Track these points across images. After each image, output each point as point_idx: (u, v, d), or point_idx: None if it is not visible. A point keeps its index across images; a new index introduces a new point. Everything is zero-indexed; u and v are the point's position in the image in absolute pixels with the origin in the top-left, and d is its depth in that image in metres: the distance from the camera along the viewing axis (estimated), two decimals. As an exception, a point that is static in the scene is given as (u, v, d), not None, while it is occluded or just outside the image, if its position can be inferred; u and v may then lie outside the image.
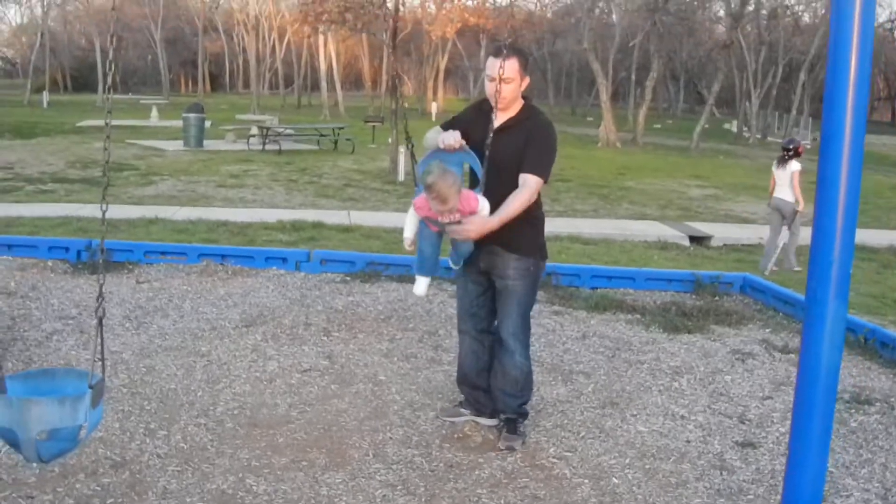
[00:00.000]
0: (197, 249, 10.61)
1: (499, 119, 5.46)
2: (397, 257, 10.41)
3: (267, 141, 28.05)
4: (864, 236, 14.68)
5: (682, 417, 6.38)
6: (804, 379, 3.95)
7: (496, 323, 5.84)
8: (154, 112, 43.15)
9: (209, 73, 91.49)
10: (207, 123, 30.42)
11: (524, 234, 5.53)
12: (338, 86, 62.43)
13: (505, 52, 5.34)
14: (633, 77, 64.56)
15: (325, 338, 7.77)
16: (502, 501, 5.00)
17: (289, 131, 30.46)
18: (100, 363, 3.75)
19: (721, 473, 5.49)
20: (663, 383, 7.07)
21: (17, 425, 3.51)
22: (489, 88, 5.40)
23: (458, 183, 5.11)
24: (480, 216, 5.23)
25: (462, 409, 6.09)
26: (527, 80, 5.53)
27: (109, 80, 3.73)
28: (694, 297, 9.97)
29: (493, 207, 5.31)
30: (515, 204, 5.29)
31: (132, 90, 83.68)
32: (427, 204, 5.24)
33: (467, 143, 5.45)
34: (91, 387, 3.61)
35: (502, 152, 5.37)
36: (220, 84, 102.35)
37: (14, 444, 3.59)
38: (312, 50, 71.04)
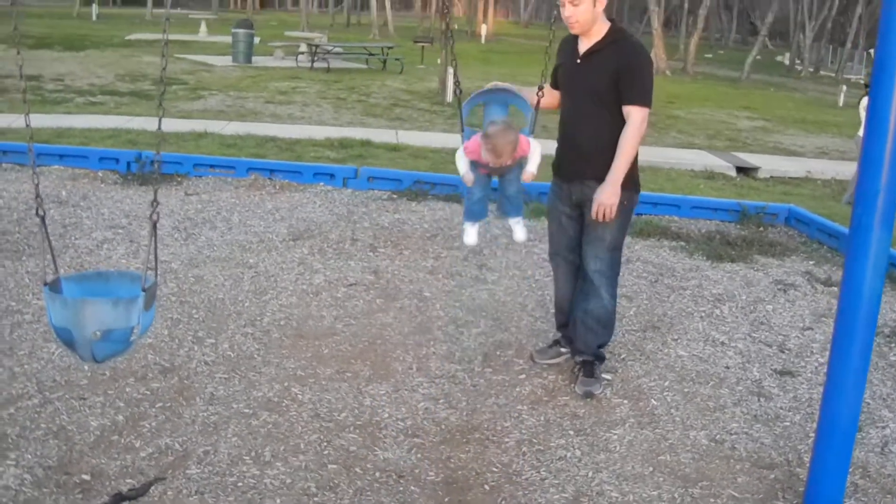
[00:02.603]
0: (245, 163, 10.70)
1: (584, 44, 5.28)
2: (444, 176, 10.46)
3: (315, 58, 27.92)
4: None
5: (723, 344, 6.42)
6: (846, 305, 3.98)
7: (583, 257, 5.51)
8: (203, 27, 43.00)
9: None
10: (256, 39, 30.32)
11: None
12: (387, 5, 61.75)
13: None
14: (686, 5, 63.28)
15: (371, 253, 7.86)
16: (542, 418, 5.09)
17: (337, 49, 30.35)
18: (152, 266, 3.83)
19: (759, 399, 5.55)
20: (705, 310, 7.11)
21: (72, 325, 3.60)
22: (562, 14, 5.18)
23: (516, 141, 5.05)
24: (603, 188, 5.11)
25: (561, 349, 5.88)
26: (603, 0, 5.17)
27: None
28: (738, 226, 9.94)
29: (586, 138, 5.28)
30: (628, 145, 5.12)
31: (181, 4, 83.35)
32: (478, 148, 5.15)
33: (558, 80, 5.50)
34: (144, 290, 3.69)
35: (589, 79, 5.23)
36: (269, 1, 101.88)
37: (70, 343, 3.68)
38: (363, -32, 70.48)
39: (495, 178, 5.42)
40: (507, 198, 5.44)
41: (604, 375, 5.61)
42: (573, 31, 5.27)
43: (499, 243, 8.41)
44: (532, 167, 5.23)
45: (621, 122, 5.19)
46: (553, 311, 6.05)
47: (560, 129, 5.52)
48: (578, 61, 5.29)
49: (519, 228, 5.49)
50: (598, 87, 5.18)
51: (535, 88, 5.38)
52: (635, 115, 5.14)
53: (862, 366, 4.05)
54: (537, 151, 5.23)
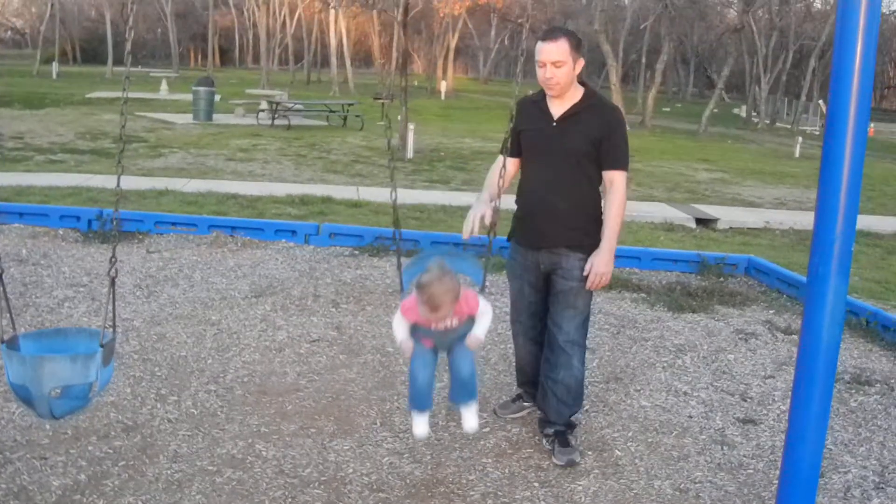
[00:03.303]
0: (207, 221, 10.69)
1: (557, 107, 5.19)
2: (406, 232, 10.39)
3: (276, 116, 27.99)
4: (870, 222, 14.73)
5: (685, 394, 6.45)
6: (805, 354, 4.01)
7: (551, 326, 5.36)
8: (164, 85, 43.06)
9: (219, 48, 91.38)
10: (217, 97, 30.40)
11: (591, 231, 5.17)
12: (347, 62, 62.13)
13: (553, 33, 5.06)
14: (644, 60, 64.16)
15: (333, 309, 7.86)
16: (507, 470, 5.09)
17: (298, 107, 30.40)
18: (111, 323, 3.82)
19: (722, 448, 5.57)
20: (667, 360, 7.14)
21: (30, 382, 3.59)
22: (541, 75, 5.09)
23: (456, 289, 4.40)
24: (599, 257, 4.99)
25: (524, 403, 5.85)
26: (581, 62, 5.09)
27: (129, 46, 3.79)
28: (699, 277, 10.02)
29: (564, 203, 5.13)
30: (621, 210, 5.06)
31: (142, 63, 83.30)
32: (417, 308, 4.50)
33: (523, 143, 5.29)
34: (102, 345, 3.68)
35: (570, 143, 5.10)
36: (229, 59, 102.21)
37: (27, 400, 3.66)
38: (323, 26, 71.00)
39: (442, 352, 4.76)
40: (461, 382, 4.76)
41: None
42: (551, 93, 5.14)
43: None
44: (479, 331, 4.64)
45: (597, 186, 5.18)
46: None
47: (528, 194, 5.35)
48: (554, 124, 5.16)
49: (470, 416, 4.83)
50: (579, 151, 5.09)
51: (491, 206, 5.06)
52: (619, 180, 5.10)
53: (823, 412, 4.07)
54: (488, 314, 4.66)
